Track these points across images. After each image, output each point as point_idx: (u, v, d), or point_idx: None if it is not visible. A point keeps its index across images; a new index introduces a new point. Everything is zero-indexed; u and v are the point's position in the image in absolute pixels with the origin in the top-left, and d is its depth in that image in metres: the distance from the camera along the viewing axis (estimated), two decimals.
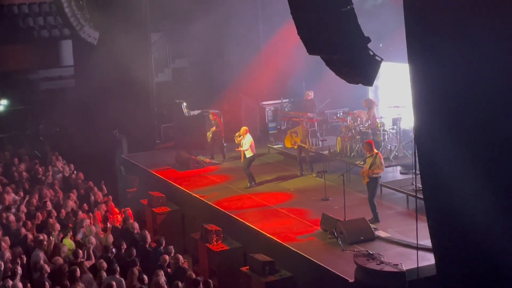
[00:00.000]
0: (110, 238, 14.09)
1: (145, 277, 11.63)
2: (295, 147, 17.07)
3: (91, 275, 11.88)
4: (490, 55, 7.61)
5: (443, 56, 8.14)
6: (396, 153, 16.50)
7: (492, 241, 8.16)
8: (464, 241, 8.56)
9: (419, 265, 10.47)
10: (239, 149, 16.28)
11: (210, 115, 19.27)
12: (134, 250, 12.97)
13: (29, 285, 11.53)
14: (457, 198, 8.48)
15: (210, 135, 18.99)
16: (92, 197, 16.88)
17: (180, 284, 11.32)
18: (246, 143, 15.98)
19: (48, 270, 11.88)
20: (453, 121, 8.26)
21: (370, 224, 12.82)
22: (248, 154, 16.03)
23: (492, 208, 8.02)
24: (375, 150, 13.58)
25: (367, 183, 13.45)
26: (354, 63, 9.72)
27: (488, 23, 7.54)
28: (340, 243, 12.33)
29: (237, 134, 16.32)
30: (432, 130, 8.61)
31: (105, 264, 12.03)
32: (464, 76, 7.97)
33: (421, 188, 10.66)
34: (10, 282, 11.30)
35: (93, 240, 13.62)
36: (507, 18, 7.34)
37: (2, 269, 11.92)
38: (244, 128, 16.26)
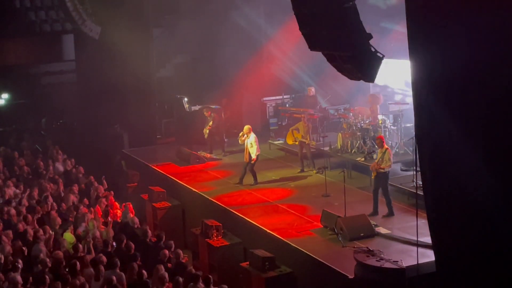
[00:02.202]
0: (111, 233, 14.12)
1: (144, 272, 11.65)
2: (297, 143, 17.07)
3: (92, 269, 11.90)
4: (491, 45, 7.61)
5: (445, 48, 8.13)
6: (397, 150, 16.50)
7: (493, 238, 8.16)
8: (464, 238, 8.56)
9: (419, 262, 10.46)
10: (253, 157, 15.73)
11: (205, 112, 19.19)
12: (134, 245, 12.98)
13: (30, 279, 11.53)
14: (458, 195, 8.48)
15: (207, 131, 18.99)
16: (93, 192, 16.90)
17: (180, 279, 11.34)
18: (253, 142, 15.78)
19: (49, 264, 11.91)
20: (455, 117, 8.26)
21: (371, 221, 12.85)
22: (254, 153, 15.89)
23: (494, 204, 8.02)
24: (386, 146, 13.67)
25: (375, 177, 13.51)
26: (356, 59, 9.71)
27: (489, 12, 7.53)
28: (340, 239, 12.34)
29: (240, 133, 16.15)
30: (433, 126, 8.60)
31: (104, 258, 12.05)
32: (465, 68, 7.97)
33: (421, 185, 10.67)
34: (10, 275, 11.32)
35: (96, 234, 13.64)
36: (508, 9, 7.34)
37: (2, 262, 11.95)
38: (247, 126, 16.05)
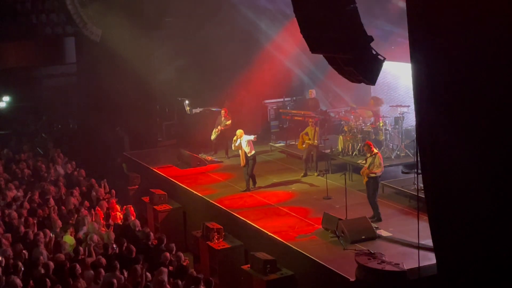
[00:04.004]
0: (112, 236, 14.11)
1: (148, 274, 11.64)
2: (305, 146, 17.06)
3: (92, 272, 11.89)
4: (492, 53, 7.61)
5: (446, 51, 8.14)
6: (398, 152, 16.51)
7: (494, 241, 8.15)
8: (465, 241, 8.55)
9: (420, 265, 10.45)
10: (249, 155, 15.79)
11: (223, 111, 18.99)
12: (135, 248, 12.97)
13: (31, 282, 11.52)
14: (459, 197, 8.48)
15: (217, 132, 18.77)
16: (94, 194, 16.89)
17: (180, 282, 11.33)
18: (244, 142, 15.75)
19: (52, 266, 11.89)
20: (456, 119, 8.26)
21: (372, 223, 12.83)
22: (250, 152, 15.86)
23: (495, 206, 8.01)
24: (375, 150, 13.64)
25: (366, 182, 13.49)
26: (357, 62, 9.70)
27: (489, 16, 7.54)
28: (341, 242, 12.33)
29: (234, 138, 16.08)
30: (434, 129, 8.60)
31: (104, 261, 12.04)
32: (466, 73, 7.97)
33: (422, 188, 10.67)
34: (9, 279, 11.31)
35: (95, 237, 13.63)
36: (507, 16, 7.35)
37: (3, 265, 11.93)
38: (239, 131, 15.99)
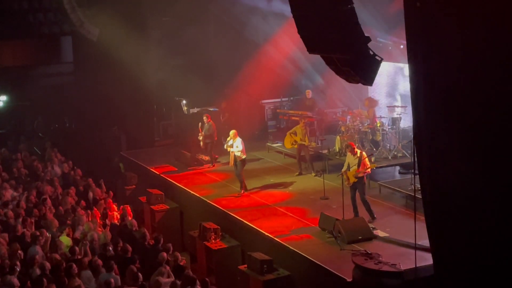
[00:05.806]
0: (109, 235, 14.09)
1: (139, 274, 11.61)
2: (295, 146, 17.01)
3: (90, 271, 11.88)
4: (490, 54, 7.62)
5: (443, 53, 8.14)
6: (395, 153, 16.51)
7: (491, 241, 8.15)
8: (462, 242, 8.56)
9: (417, 265, 10.46)
10: (229, 149, 15.60)
11: (205, 117, 18.17)
12: (132, 248, 12.96)
13: (28, 282, 11.50)
14: (456, 198, 8.48)
15: (202, 139, 18.00)
16: (91, 194, 16.87)
17: (178, 282, 11.32)
18: (238, 145, 15.51)
19: (49, 266, 11.88)
20: (453, 120, 8.26)
21: (369, 224, 12.83)
22: (241, 156, 15.61)
23: (492, 207, 8.01)
24: (357, 150, 13.53)
25: (354, 183, 13.32)
26: (354, 62, 9.71)
27: (487, 21, 7.55)
28: (338, 242, 12.33)
29: (228, 139, 15.92)
30: (431, 129, 8.61)
31: (100, 261, 12.03)
32: (464, 74, 7.97)
33: (419, 188, 10.67)
34: (6, 278, 11.29)
35: (94, 236, 13.61)
36: (504, 17, 7.35)
37: None
38: (233, 131, 15.79)
